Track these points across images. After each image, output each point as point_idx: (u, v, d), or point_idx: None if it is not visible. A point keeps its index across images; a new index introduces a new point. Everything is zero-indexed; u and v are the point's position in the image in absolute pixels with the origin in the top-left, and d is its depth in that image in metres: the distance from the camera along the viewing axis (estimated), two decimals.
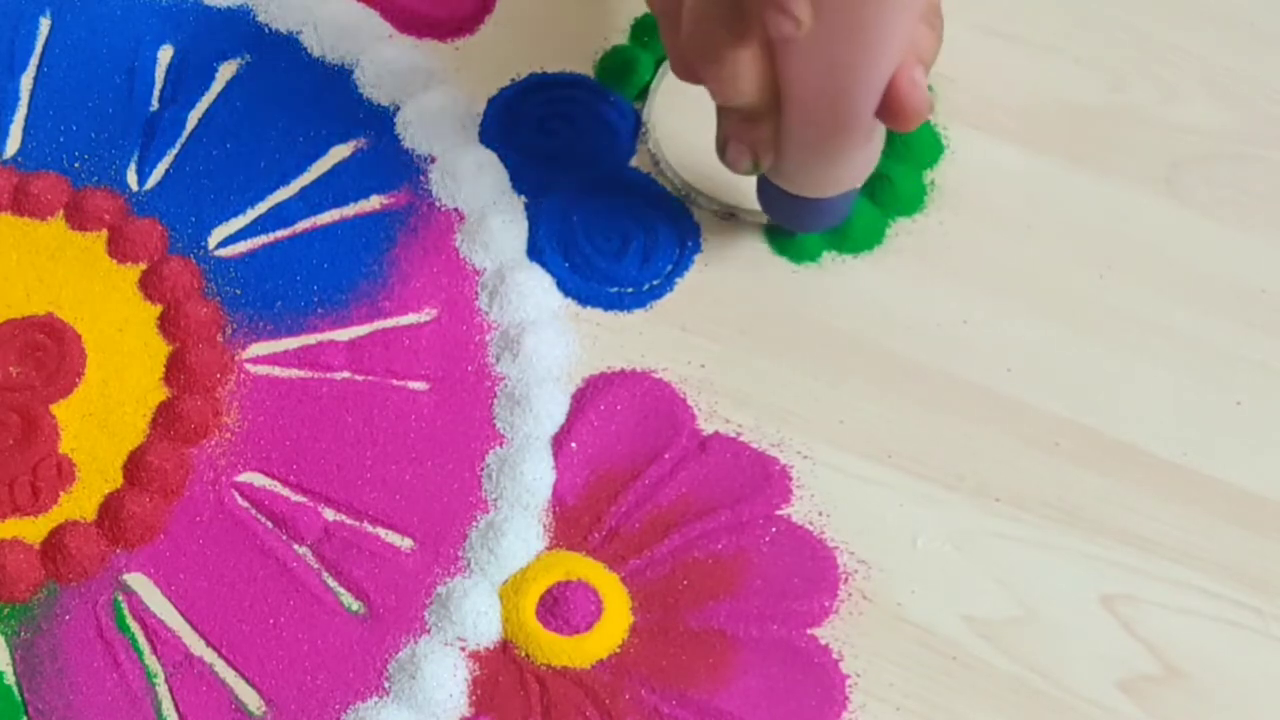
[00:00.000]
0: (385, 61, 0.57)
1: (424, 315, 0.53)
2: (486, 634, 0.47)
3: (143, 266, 0.53)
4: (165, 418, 0.50)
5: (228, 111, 0.56)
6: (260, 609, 0.48)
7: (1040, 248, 0.55)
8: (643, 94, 0.57)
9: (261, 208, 0.54)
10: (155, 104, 0.57)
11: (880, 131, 0.50)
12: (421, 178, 0.55)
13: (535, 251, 0.54)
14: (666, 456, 0.50)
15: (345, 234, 0.54)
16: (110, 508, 0.49)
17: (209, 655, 0.47)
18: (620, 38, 0.58)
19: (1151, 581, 0.49)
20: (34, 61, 0.57)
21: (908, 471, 0.50)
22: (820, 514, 0.49)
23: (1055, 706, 0.47)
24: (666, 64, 0.56)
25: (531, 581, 0.48)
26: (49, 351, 0.51)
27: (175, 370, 0.51)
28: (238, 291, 0.53)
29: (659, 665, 0.47)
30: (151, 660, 0.47)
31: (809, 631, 0.48)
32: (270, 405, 0.51)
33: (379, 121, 0.56)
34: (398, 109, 0.57)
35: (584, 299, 0.53)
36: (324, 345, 0.52)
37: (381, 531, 0.49)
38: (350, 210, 0.55)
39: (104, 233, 0.54)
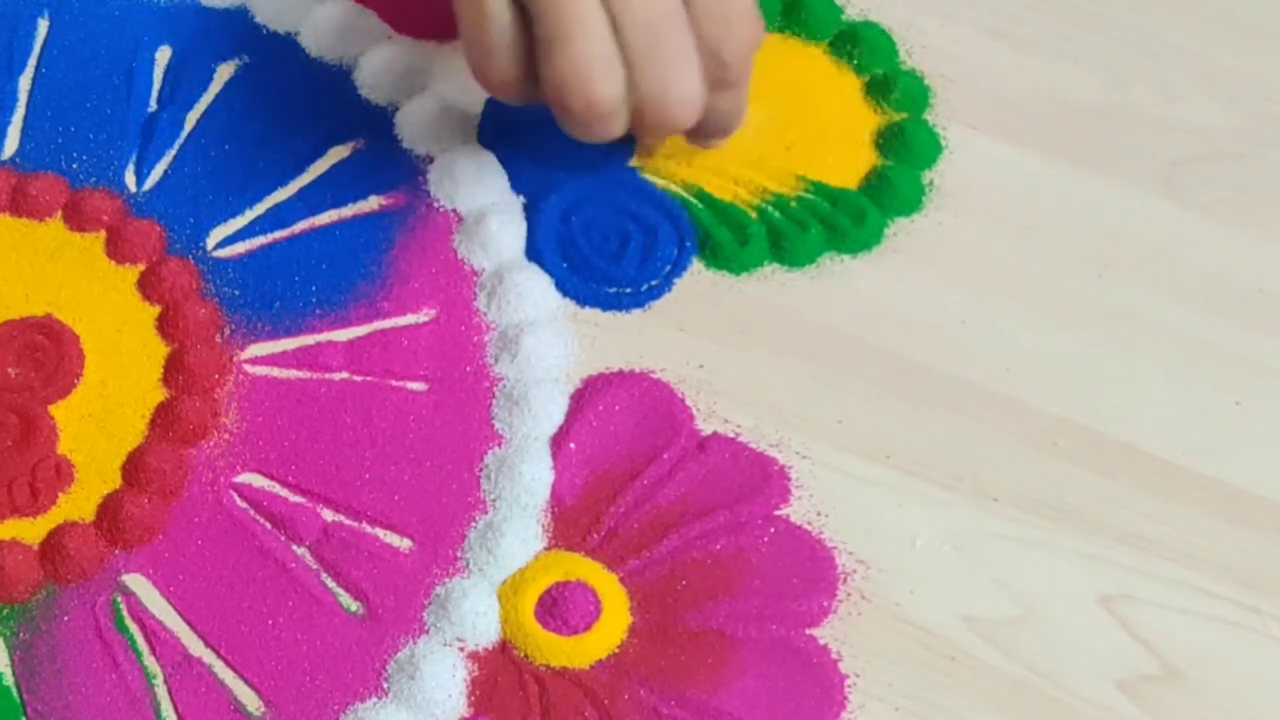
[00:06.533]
0: (384, 62, 0.57)
1: (422, 316, 0.53)
2: (485, 634, 0.47)
3: (141, 267, 0.53)
4: (164, 418, 0.50)
5: (226, 112, 0.56)
6: (259, 610, 0.47)
7: (1039, 248, 0.55)
8: None
9: (260, 208, 0.54)
10: (153, 105, 0.57)
11: None
12: (420, 178, 0.55)
13: (534, 252, 0.54)
14: (665, 457, 0.50)
15: (344, 235, 0.54)
16: (109, 508, 0.49)
17: (208, 656, 0.47)
18: None
19: (1150, 581, 0.49)
20: (32, 62, 0.57)
21: (906, 471, 0.50)
22: (819, 514, 0.49)
23: (1054, 706, 0.47)
24: None
25: (530, 582, 0.48)
26: (47, 352, 0.51)
27: (174, 371, 0.51)
28: (236, 292, 0.53)
29: (658, 665, 0.47)
30: (150, 661, 0.47)
31: (808, 631, 0.48)
32: (269, 406, 0.51)
33: (377, 122, 0.56)
34: (396, 110, 0.57)
35: (582, 299, 0.53)
36: (322, 346, 0.52)
37: (380, 532, 0.49)
38: (348, 211, 0.55)
39: (102, 233, 0.54)
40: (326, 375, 0.51)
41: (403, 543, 0.49)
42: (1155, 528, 0.49)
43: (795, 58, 0.58)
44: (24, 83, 0.57)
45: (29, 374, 0.51)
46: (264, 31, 0.58)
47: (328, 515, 0.49)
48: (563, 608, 0.47)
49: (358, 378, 0.51)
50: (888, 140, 0.57)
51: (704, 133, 0.53)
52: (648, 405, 0.51)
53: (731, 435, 0.51)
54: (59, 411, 0.50)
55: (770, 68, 0.57)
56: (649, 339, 0.53)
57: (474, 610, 0.47)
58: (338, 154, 0.56)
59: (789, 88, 0.57)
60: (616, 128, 0.50)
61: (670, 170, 0.56)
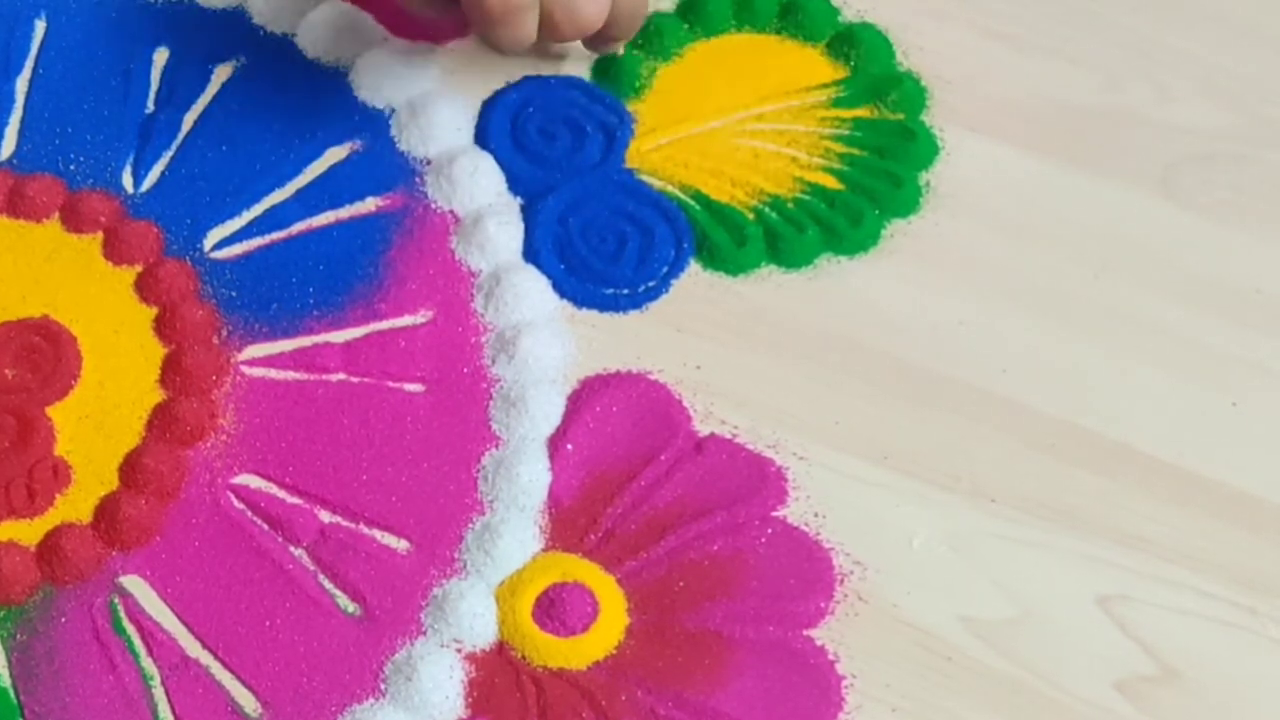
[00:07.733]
0: (381, 64, 0.57)
1: (420, 317, 0.53)
2: (483, 635, 0.47)
3: (138, 268, 0.53)
4: (161, 420, 0.50)
5: (223, 114, 0.56)
6: (256, 611, 0.47)
7: (1036, 248, 0.55)
8: (639, 94, 0.57)
9: (257, 210, 0.55)
10: (151, 106, 0.57)
11: None
12: (417, 180, 0.55)
13: (531, 253, 0.54)
14: (663, 458, 0.50)
15: (341, 236, 0.54)
16: (106, 510, 0.49)
17: (205, 657, 0.47)
18: None
19: (1147, 582, 0.49)
20: (29, 64, 0.57)
21: (904, 472, 0.50)
22: (816, 515, 0.49)
23: (1051, 707, 0.47)
24: None
25: (528, 583, 0.48)
26: (45, 354, 0.51)
27: (171, 372, 0.51)
28: (233, 293, 0.53)
29: (655, 666, 0.47)
30: (148, 662, 0.47)
31: (805, 632, 0.48)
32: (266, 407, 0.51)
33: (374, 124, 0.56)
34: (393, 111, 0.57)
35: (580, 300, 0.53)
36: (320, 347, 0.52)
37: (377, 533, 0.49)
38: (346, 212, 0.55)
39: (99, 235, 0.54)
40: (324, 376, 0.51)
41: (400, 544, 0.49)
42: (1153, 528, 0.49)
43: (792, 59, 0.58)
44: (21, 84, 0.57)
45: (26, 375, 0.51)
46: (261, 33, 0.58)
47: (325, 516, 0.49)
48: (560, 609, 0.47)
49: (355, 379, 0.51)
50: (884, 141, 0.56)
51: (608, 34, 0.54)
52: (645, 406, 0.51)
53: (729, 436, 0.51)
54: (56, 413, 0.50)
55: (767, 69, 0.58)
56: (646, 340, 0.53)
57: (471, 611, 0.47)
58: (335, 155, 0.56)
59: (786, 89, 0.57)
60: (529, 29, 0.51)
61: (668, 172, 0.56)
